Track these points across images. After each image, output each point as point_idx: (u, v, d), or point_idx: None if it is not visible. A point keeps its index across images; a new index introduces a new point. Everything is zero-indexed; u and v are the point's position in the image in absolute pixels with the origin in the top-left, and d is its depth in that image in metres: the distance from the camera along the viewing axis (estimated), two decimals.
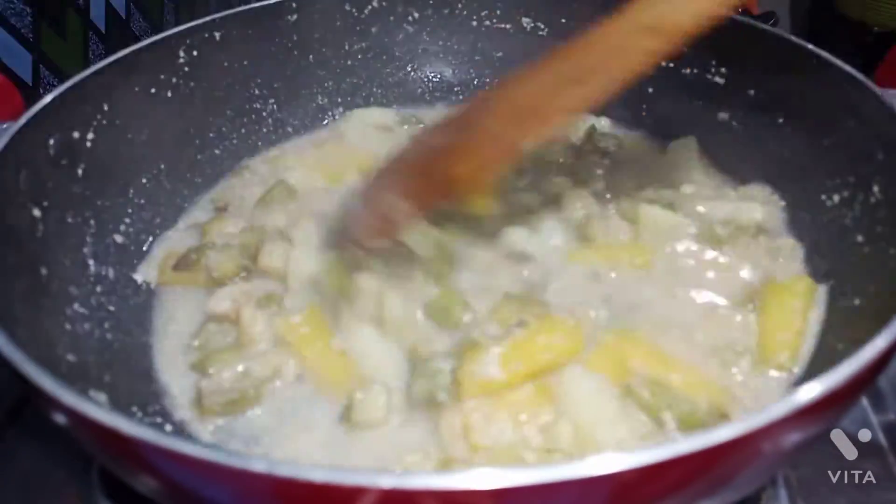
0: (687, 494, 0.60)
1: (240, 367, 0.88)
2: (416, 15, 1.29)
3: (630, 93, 1.20)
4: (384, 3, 1.27)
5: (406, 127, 1.29)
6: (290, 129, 1.28)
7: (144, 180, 1.08)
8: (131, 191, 1.06)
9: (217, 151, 1.19)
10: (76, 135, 0.97)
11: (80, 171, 0.97)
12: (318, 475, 0.50)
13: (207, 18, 1.13)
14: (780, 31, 1.07)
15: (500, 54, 1.32)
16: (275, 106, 1.25)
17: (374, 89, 1.33)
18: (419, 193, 0.90)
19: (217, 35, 1.14)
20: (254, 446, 0.83)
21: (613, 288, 0.96)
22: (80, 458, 0.86)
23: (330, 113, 1.31)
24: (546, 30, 1.28)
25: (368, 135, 1.26)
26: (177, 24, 1.12)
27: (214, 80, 1.16)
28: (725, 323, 0.92)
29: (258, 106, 1.24)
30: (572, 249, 1.02)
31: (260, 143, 1.25)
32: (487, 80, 1.33)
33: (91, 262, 0.97)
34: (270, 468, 0.51)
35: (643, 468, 0.53)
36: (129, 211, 1.05)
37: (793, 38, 1.02)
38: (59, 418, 0.62)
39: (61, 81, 0.96)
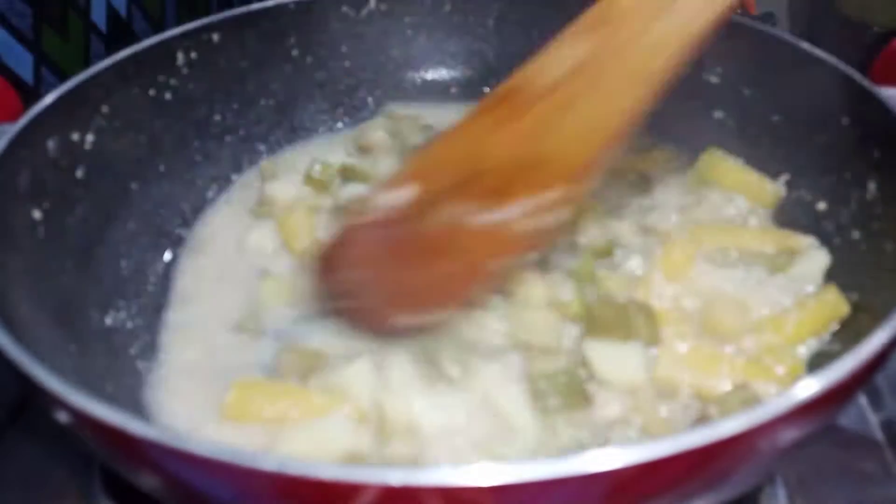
0: (685, 491, 0.61)
1: None
2: (414, 16, 1.30)
3: None
4: (382, 5, 1.27)
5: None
6: (289, 131, 1.28)
7: (144, 182, 1.09)
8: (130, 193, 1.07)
9: (217, 153, 1.20)
10: (75, 137, 0.97)
11: (79, 174, 0.97)
12: (329, 472, 0.51)
13: (205, 20, 1.13)
14: (775, 29, 1.08)
15: (497, 55, 1.32)
16: (274, 108, 1.26)
17: (374, 90, 1.33)
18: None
19: (215, 37, 1.14)
20: None
21: None
22: (82, 457, 0.86)
23: (328, 114, 1.31)
24: (542, 30, 1.28)
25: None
26: (178, 25, 1.12)
27: (213, 83, 1.16)
28: None
29: (257, 108, 1.24)
30: None
31: (260, 146, 1.25)
32: (484, 80, 1.34)
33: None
34: (281, 467, 0.51)
35: (644, 464, 0.53)
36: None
37: (787, 35, 1.03)
38: (66, 419, 0.62)
39: (62, 82, 0.96)
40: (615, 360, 0.83)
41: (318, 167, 1.16)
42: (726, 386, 0.82)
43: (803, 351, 0.86)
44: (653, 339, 0.86)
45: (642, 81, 0.80)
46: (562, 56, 0.86)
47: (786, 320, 0.87)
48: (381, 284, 0.88)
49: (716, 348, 0.86)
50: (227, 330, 0.96)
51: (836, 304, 0.87)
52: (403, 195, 0.87)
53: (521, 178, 0.81)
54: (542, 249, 0.88)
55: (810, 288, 0.92)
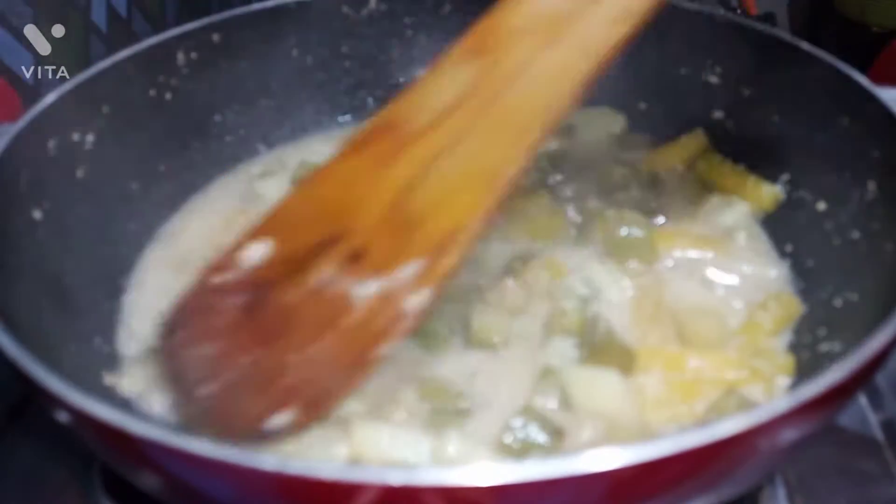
0: (685, 491, 0.61)
1: None
2: (414, 17, 1.30)
3: (622, 91, 1.23)
4: (382, 6, 1.27)
5: None
6: (289, 132, 1.28)
7: (144, 183, 1.09)
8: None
9: (217, 154, 1.20)
10: (76, 137, 0.97)
11: (79, 174, 0.97)
12: (329, 472, 0.51)
13: (206, 21, 1.13)
14: (775, 29, 1.08)
15: None
16: (274, 108, 1.25)
17: (374, 91, 1.33)
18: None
19: (216, 37, 1.14)
20: None
21: None
22: (82, 457, 0.86)
23: (329, 115, 1.31)
24: None
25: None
26: (178, 25, 1.12)
27: (214, 83, 1.16)
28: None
29: (258, 108, 1.24)
30: None
31: (260, 146, 1.25)
32: None
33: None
34: (281, 466, 0.51)
35: (644, 464, 0.53)
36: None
37: (786, 35, 1.03)
38: (66, 419, 0.62)
39: (62, 82, 0.96)
40: (593, 387, 0.80)
41: (302, 168, 1.17)
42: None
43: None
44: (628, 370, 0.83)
45: (532, 119, 0.66)
46: (443, 85, 0.72)
47: (761, 323, 0.89)
48: (241, 365, 0.72)
49: (694, 364, 0.85)
50: None
51: (791, 304, 0.91)
52: (260, 252, 0.73)
53: (394, 239, 0.67)
54: (394, 344, 0.68)
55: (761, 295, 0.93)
